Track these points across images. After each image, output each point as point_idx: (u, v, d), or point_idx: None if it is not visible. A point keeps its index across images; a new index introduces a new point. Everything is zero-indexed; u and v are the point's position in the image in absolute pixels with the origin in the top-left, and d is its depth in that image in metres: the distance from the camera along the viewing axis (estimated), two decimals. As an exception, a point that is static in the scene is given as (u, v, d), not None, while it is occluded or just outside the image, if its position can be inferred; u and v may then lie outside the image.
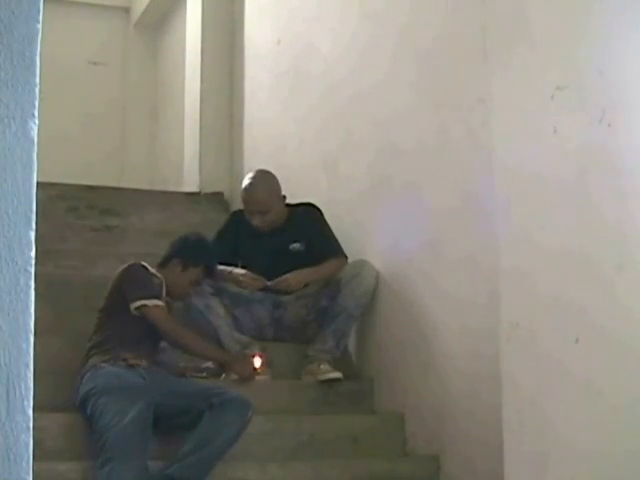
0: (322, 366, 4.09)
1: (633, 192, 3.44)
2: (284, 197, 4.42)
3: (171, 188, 6.67)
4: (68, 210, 5.53)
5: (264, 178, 4.43)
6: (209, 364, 4.02)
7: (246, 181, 4.43)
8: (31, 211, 1.26)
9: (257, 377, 3.98)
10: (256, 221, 4.36)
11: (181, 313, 4.12)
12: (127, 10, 8.16)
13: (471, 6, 3.73)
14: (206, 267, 3.95)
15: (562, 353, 3.40)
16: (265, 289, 4.29)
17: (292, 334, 4.36)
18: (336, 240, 4.37)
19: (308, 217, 4.41)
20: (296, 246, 4.38)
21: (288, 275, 4.26)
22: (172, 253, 3.94)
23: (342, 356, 4.27)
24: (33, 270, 1.26)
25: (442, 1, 3.99)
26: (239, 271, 4.30)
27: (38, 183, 1.29)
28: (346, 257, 4.34)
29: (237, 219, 4.54)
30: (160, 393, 3.47)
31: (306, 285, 4.34)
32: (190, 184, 6.36)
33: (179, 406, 3.50)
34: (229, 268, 4.29)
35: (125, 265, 3.80)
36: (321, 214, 4.42)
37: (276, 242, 4.35)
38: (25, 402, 1.23)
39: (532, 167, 3.48)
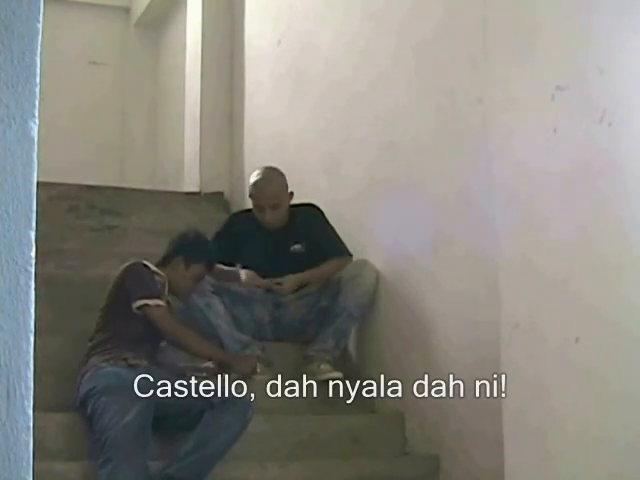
0: (322, 366, 4.08)
1: (634, 191, 3.45)
2: (291, 193, 4.41)
3: (171, 188, 6.68)
4: (68, 210, 5.52)
5: (274, 173, 4.43)
6: (209, 364, 4.02)
7: (255, 177, 4.40)
8: (31, 211, 1.27)
9: (258, 377, 3.98)
10: (268, 217, 4.32)
11: (182, 312, 4.12)
12: (127, 10, 8.16)
13: (472, 6, 3.72)
14: (208, 262, 3.96)
15: (563, 352, 3.40)
16: (267, 290, 4.28)
17: (292, 334, 4.36)
18: (339, 239, 4.37)
19: (309, 218, 4.39)
20: (297, 247, 4.37)
21: (283, 281, 4.25)
22: (173, 251, 3.94)
23: (342, 356, 4.26)
24: (33, 270, 1.26)
25: (443, 1, 3.99)
26: (244, 272, 4.29)
27: (38, 183, 1.29)
28: (350, 255, 4.33)
29: (236, 220, 4.53)
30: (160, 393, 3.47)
31: (305, 286, 4.33)
32: (190, 184, 6.36)
33: (179, 406, 3.49)
34: (233, 269, 4.30)
35: (126, 264, 3.80)
36: (322, 214, 4.41)
37: (277, 243, 4.34)
38: (25, 402, 1.23)
39: (532, 167, 3.48)
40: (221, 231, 4.47)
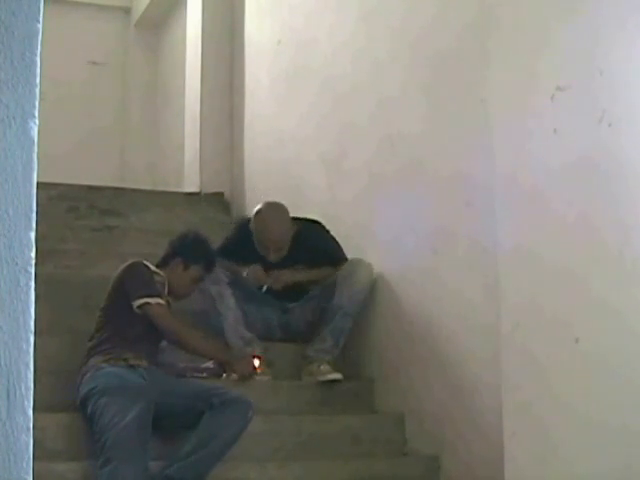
0: (322, 367, 4.09)
1: (635, 191, 3.44)
2: (294, 225, 4.37)
3: (171, 188, 6.68)
4: (68, 210, 5.52)
5: (278, 212, 4.35)
6: (209, 364, 4.02)
7: (260, 216, 4.33)
8: (31, 211, 1.26)
9: (257, 377, 3.98)
10: (272, 257, 4.32)
11: (195, 299, 4.13)
12: (127, 10, 8.17)
13: (473, 6, 3.72)
14: (207, 264, 3.95)
15: (562, 354, 3.40)
16: (268, 287, 4.29)
17: (299, 336, 4.36)
18: (338, 246, 4.36)
19: (311, 239, 4.35)
20: (299, 267, 4.37)
21: (280, 275, 4.28)
22: (172, 252, 3.94)
23: (342, 356, 4.26)
24: (33, 270, 1.26)
25: (444, 3, 3.99)
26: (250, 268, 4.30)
27: (38, 183, 1.29)
28: (346, 259, 4.34)
29: (246, 232, 4.44)
30: (160, 393, 3.47)
31: (307, 291, 4.35)
32: (190, 184, 6.36)
33: (179, 406, 3.49)
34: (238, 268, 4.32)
35: (126, 263, 3.80)
36: (324, 229, 4.38)
37: (279, 264, 4.33)
38: (25, 402, 1.23)
39: (532, 168, 3.48)
40: (232, 239, 4.44)
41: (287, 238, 4.34)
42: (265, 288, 4.31)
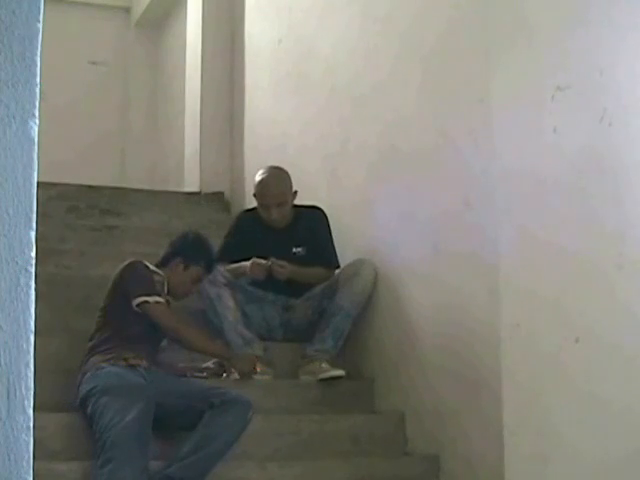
0: (324, 365, 4.09)
1: (636, 190, 3.45)
2: (295, 192, 4.43)
3: (171, 188, 6.68)
4: (68, 210, 5.52)
5: (279, 172, 4.45)
6: (209, 364, 4.02)
7: (261, 176, 4.43)
8: (31, 211, 1.26)
9: (258, 377, 3.98)
10: (275, 214, 4.36)
11: (193, 299, 4.13)
12: (127, 10, 8.17)
13: (474, 8, 3.72)
14: (207, 264, 3.96)
15: (562, 353, 3.40)
16: (268, 272, 4.28)
17: (300, 335, 4.37)
18: (333, 248, 4.39)
19: (314, 222, 4.41)
20: (299, 250, 4.39)
21: (284, 265, 4.27)
22: (173, 252, 3.94)
23: (342, 356, 4.26)
24: (33, 270, 1.26)
25: (444, 3, 3.98)
26: (249, 262, 4.30)
27: (38, 183, 1.29)
28: (337, 266, 4.36)
29: (244, 219, 4.52)
30: (160, 393, 3.47)
31: (304, 287, 4.35)
32: (190, 184, 6.36)
33: (179, 406, 3.49)
34: (240, 264, 4.31)
35: (125, 262, 3.80)
36: (327, 220, 4.43)
37: (279, 244, 4.34)
38: (25, 402, 1.23)
39: (532, 167, 3.48)
40: (235, 229, 4.50)
41: (288, 193, 4.38)
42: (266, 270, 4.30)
